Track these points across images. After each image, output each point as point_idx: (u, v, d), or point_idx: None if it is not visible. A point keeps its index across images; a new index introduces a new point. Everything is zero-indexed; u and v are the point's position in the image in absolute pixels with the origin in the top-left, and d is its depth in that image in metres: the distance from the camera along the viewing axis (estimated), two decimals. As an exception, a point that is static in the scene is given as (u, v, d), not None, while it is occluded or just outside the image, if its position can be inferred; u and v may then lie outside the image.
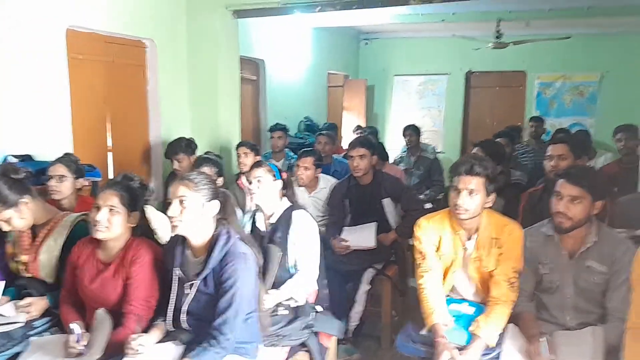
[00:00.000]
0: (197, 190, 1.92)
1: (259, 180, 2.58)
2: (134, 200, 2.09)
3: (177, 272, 2.00)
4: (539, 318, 2.26)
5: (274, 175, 2.60)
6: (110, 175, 3.80)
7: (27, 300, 2.16)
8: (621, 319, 2.04)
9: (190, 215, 1.90)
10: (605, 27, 6.85)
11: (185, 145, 3.80)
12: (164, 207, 3.44)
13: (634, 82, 6.86)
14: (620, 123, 4.32)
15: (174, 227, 1.91)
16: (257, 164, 2.67)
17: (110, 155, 3.87)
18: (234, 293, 1.88)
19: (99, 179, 3.32)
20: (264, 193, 2.58)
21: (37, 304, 2.17)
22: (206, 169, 3.12)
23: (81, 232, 2.24)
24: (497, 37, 6.21)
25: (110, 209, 2.01)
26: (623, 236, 2.26)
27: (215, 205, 1.97)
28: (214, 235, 1.98)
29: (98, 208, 2.02)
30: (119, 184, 2.11)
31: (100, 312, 2.02)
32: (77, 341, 1.94)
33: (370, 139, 3.86)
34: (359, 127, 6.70)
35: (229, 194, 2.08)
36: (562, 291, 2.23)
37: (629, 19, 5.82)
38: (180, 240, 2.04)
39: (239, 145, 4.00)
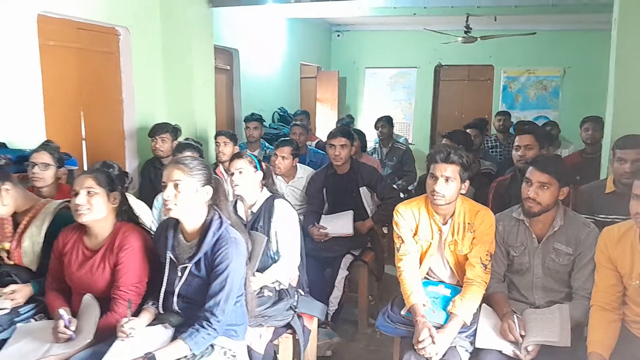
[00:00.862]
0: (191, 174, 1.95)
1: (240, 172, 2.62)
2: (110, 181, 2.10)
3: (169, 255, 2.03)
4: (510, 298, 2.39)
5: (255, 166, 2.65)
6: (85, 164, 3.75)
7: (11, 287, 2.15)
8: (586, 297, 2.21)
9: (185, 199, 1.93)
10: (568, 24, 7.17)
11: (171, 128, 3.82)
12: (140, 194, 3.45)
13: (594, 77, 7.19)
14: (581, 116, 4.53)
15: (168, 210, 1.94)
16: (237, 155, 2.71)
17: (84, 144, 3.82)
18: (226, 276, 1.93)
19: (76, 168, 3.28)
20: (246, 184, 2.62)
21: (21, 291, 2.16)
22: (188, 154, 3.12)
23: (64, 219, 2.24)
24: (466, 32, 6.39)
25: (88, 191, 2.02)
26: (587, 220, 2.41)
27: (209, 190, 2.01)
28: (206, 220, 2.01)
29: (76, 193, 2.03)
30: (96, 169, 2.12)
31: (88, 298, 2.05)
32: (66, 326, 1.96)
33: (349, 129, 3.93)
34: (348, 115, 6.89)
35: (220, 180, 2.11)
36: (531, 272, 2.37)
37: (590, 16, 6.10)
38: (172, 224, 2.07)
39: (218, 134, 4.01)
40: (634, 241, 2.03)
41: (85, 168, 3.68)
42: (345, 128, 3.86)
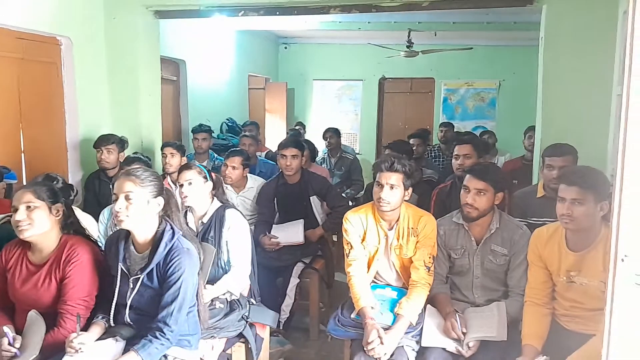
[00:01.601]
0: (143, 186, 1.95)
1: (189, 183, 2.63)
2: (52, 193, 2.05)
3: (120, 267, 2.01)
4: (452, 298, 2.54)
5: (205, 177, 2.66)
6: (24, 178, 3.61)
7: None
8: (520, 294, 2.38)
9: (136, 210, 1.93)
10: (503, 40, 7.64)
11: (118, 139, 3.75)
12: (85, 207, 3.36)
13: (527, 90, 7.64)
14: (516, 126, 4.85)
15: (119, 221, 1.93)
16: (186, 167, 2.71)
17: (23, 157, 3.67)
18: (179, 287, 1.95)
19: (15, 181, 3.16)
20: (196, 195, 2.63)
21: None
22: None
23: (6, 234, 2.17)
24: (408, 46, 6.67)
25: (28, 206, 1.97)
26: (520, 223, 2.60)
27: (160, 201, 2.02)
28: (158, 231, 2.02)
29: (15, 209, 1.98)
30: (37, 183, 2.08)
31: (33, 314, 2.00)
32: (10, 344, 1.90)
33: (300, 139, 4.00)
34: (299, 123, 6.99)
35: (172, 192, 2.12)
36: (471, 273, 2.53)
37: (522, 34, 6.52)
38: (122, 236, 2.06)
39: (165, 145, 3.97)
40: (561, 241, 2.21)
41: (25, 181, 3.54)
42: (296, 139, 3.94)
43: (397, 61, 7.42)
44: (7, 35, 3.47)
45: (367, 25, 6.77)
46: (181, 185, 2.64)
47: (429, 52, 7.01)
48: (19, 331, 1.99)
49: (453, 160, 3.40)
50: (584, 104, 3.28)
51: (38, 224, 1.98)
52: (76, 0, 3.92)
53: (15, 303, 2.06)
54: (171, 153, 3.85)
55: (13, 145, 3.58)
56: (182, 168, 2.73)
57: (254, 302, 2.69)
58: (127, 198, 1.93)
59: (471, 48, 7.20)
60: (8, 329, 1.94)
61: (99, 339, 2.00)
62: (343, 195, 5.06)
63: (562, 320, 2.23)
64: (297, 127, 6.69)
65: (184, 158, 3.91)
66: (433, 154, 5.71)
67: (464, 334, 2.26)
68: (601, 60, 3.16)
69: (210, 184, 2.67)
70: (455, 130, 6.24)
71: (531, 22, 5.17)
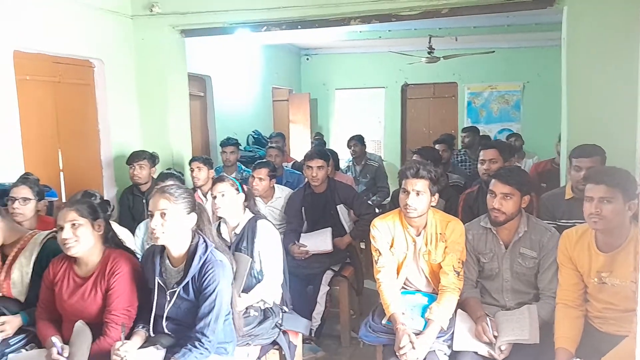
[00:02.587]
0: (177, 203, 2.04)
1: (222, 195, 2.71)
2: (93, 210, 2.15)
3: (157, 280, 2.11)
4: (483, 302, 2.55)
5: (237, 189, 2.75)
6: (64, 195, 3.78)
7: (2, 318, 2.18)
8: (551, 297, 2.38)
9: (171, 227, 2.02)
10: (524, 41, 7.58)
11: (149, 155, 3.89)
12: (119, 222, 3.50)
13: (552, 90, 7.55)
14: (542, 127, 4.81)
15: (155, 238, 2.02)
16: (219, 179, 2.79)
17: (62, 175, 3.85)
18: (215, 298, 2.02)
19: (56, 199, 3.32)
20: (228, 206, 2.72)
21: (11, 322, 2.19)
22: (170, 183, 3.19)
23: (52, 249, 2.29)
24: (429, 52, 6.68)
25: (72, 224, 2.08)
26: (548, 225, 2.60)
27: (193, 217, 2.10)
28: (192, 245, 2.10)
29: (61, 228, 2.09)
30: (77, 201, 2.18)
31: (79, 324, 2.10)
32: (59, 353, 2.01)
33: (325, 150, 4.05)
34: (317, 134, 7.05)
35: (203, 207, 2.21)
36: (501, 276, 2.54)
37: (544, 34, 6.47)
38: (158, 251, 2.15)
39: (192, 160, 4.10)
40: (591, 242, 2.21)
41: (65, 199, 3.71)
42: (322, 149, 4.00)
43: (419, 67, 7.44)
44: (44, 60, 3.67)
45: (387, 33, 6.82)
46: (214, 197, 2.72)
47: (451, 57, 7.01)
48: (66, 341, 2.09)
49: (479, 165, 3.41)
50: (609, 104, 3.26)
51: (83, 240, 2.09)
52: (107, 24, 4.11)
53: (63, 314, 2.17)
54: (198, 167, 3.95)
55: (52, 165, 3.76)
56: (216, 180, 2.80)
57: (287, 310, 2.76)
58: (162, 215, 2.01)
59: (493, 51, 7.17)
60: (57, 339, 2.05)
61: (141, 347, 2.09)
62: (369, 202, 5.11)
63: (596, 322, 2.21)
64: (317, 138, 6.76)
65: (212, 171, 4.02)
66: (459, 159, 5.70)
67: (495, 337, 2.27)
68: (625, 59, 3.13)
69: (242, 195, 2.75)
70: (480, 134, 6.21)
71: (554, 23, 5.14)
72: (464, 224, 2.65)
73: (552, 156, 4.56)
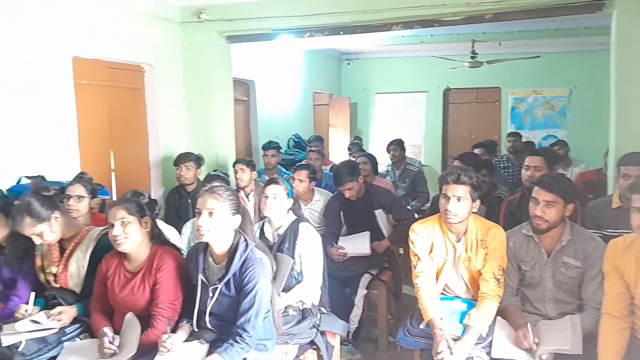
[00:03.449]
0: (224, 203, 2.13)
1: (275, 197, 2.79)
2: (141, 208, 2.27)
3: (200, 277, 2.20)
4: (523, 310, 2.51)
5: (288, 194, 2.82)
6: (115, 194, 3.97)
7: (59, 308, 2.32)
8: (596, 308, 2.32)
9: (217, 226, 2.11)
10: (572, 46, 7.36)
11: (195, 157, 4.04)
12: (166, 221, 3.65)
13: (600, 96, 7.30)
14: (590, 134, 4.66)
15: (201, 235, 2.11)
16: (274, 181, 2.86)
17: (113, 175, 4.05)
18: (255, 295, 2.10)
19: (107, 197, 3.49)
20: (277, 208, 2.80)
21: (67, 312, 2.33)
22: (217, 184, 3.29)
23: (105, 245, 2.42)
24: (472, 57, 6.60)
25: (122, 222, 2.19)
26: (593, 235, 2.54)
27: (238, 219, 2.18)
28: (233, 244, 2.19)
29: (112, 225, 2.21)
30: (127, 199, 2.30)
31: (129, 316, 2.22)
32: (110, 342, 2.13)
33: (349, 168, 3.73)
34: (355, 137, 7.06)
35: (246, 209, 2.29)
36: (542, 285, 2.50)
37: (595, 39, 6.27)
38: (201, 248, 2.24)
39: (236, 162, 4.21)
40: (638, 252, 2.15)
41: (115, 197, 3.90)
42: (344, 172, 3.69)
43: (462, 71, 7.35)
44: (100, 66, 3.87)
45: (429, 38, 6.78)
46: (266, 197, 2.80)
47: (494, 62, 6.90)
48: (117, 332, 2.21)
49: (523, 171, 3.35)
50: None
51: (132, 237, 2.21)
52: (157, 31, 4.30)
53: (114, 307, 2.30)
54: (242, 169, 4.06)
55: (105, 165, 3.96)
56: (270, 181, 2.87)
57: (325, 311, 2.80)
58: (209, 214, 2.10)
59: (538, 56, 7.01)
60: (108, 330, 2.17)
61: (185, 341, 2.18)
62: (408, 207, 5.09)
63: (642, 335, 2.16)
64: (355, 142, 6.78)
65: (254, 172, 4.12)
66: (502, 165, 5.60)
67: (536, 344, 2.23)
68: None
69: (291, 200, 2.83)
70: (523, 139, 6.09)
71: (603, 27, 4.98)
72: (505, 231, 2.62)
73: (599, 165, 4.41)
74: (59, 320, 2.29)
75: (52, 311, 2.31)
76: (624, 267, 2.19)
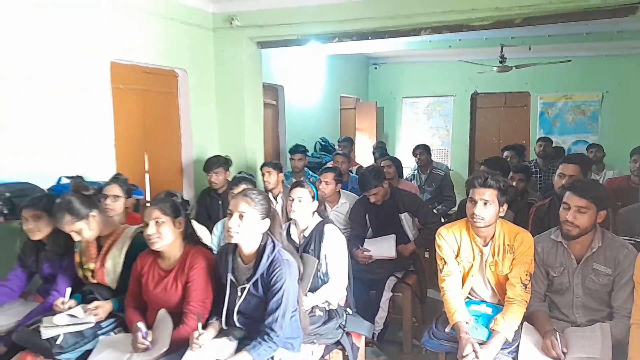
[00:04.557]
0: (255, 208, 2.18)
1: (300, 200, 2.85)
2: (175, 208, 2.34)
3: (229, 277, 2.27)
4: (551, 316, 2.49)
5: (313, 196, 2.88)
6: (148, 194, 4.10)
7: (95, 303, 2.43)
8: (626, 316, 2.28)
9: (247, 228, 2.17)
10: (604, 50, 7.21)
11: (223, 161, 4.13)
12: (197, 220, 3.74)
13: (633, 101, 7.16)
14: (622, 140, 4.55)
15: (230, 237, 2.17)
16: (300, 184, 2.91)
17: (147, 176, 4.18)
18: (282, 295, 2.15)
19: (142, 197, 3.61)
20: (303, 211, 2.86)
21: (103, 307, 2.43)
22: (243, 187, 3.35)
23: (140, 242, 2.51)
24: (501, 61, 6.54)
25: (156, 221, 2.27)
26: (625, 242, 2.50)
27: (267, 222, 2.24)
28: (261, 245, 2.25)
29: (147, 224, 2.29)
30: (161, 200, 2.38)
31: (162, 312, 2.30)
32: (143, 337, 2.21)
33: (374, 173, 3.74)
34: (379, 142, 7.15)
35: (276, 212, 2.34)
36: (571, 292, 2.47)
37: (629, 43, 6.14)
38: (231, 249, 2.31)
39: (263, 165, 4.28)
40: (670, 260, 2.12)
41: (149, 197, 4.02)
42: (370, 175, 3.71)
43: (490, 76, 7.29)
44: (135, 70, 4.01)
45: (458, 42, 6.76)
46: (292, 200, 2.86)
47: (523, 66, 6.82)
48: (150, 327, 2.29)
49: (556, 178, 3.29)
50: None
51: (165, 237, 2.29)
52: (190, 37, 4.43)
53: (148, 303, 2.39)
54: (268, 171, 4.11)
55: (139, 166, 4.10)
56: (296, 184, 2.93)
57: (350, 313, 2.84)
58: (240, 217, 2.16)
59: (569, 60, 6.88)
60: (142, 325, 2.26)
61: (215, 337, 2.25)
62: (434, 211, 5.08)
63: (674, 345, 2.12)
64: (379, 146, 6.77)
65: (281, 175, 4.17)
66: (531, 170, 5.53)
67: (564, 353, 2.22)
68: None
69: (316, 203, 2.89)
70: (553, 145, 6.00)
71: (637, 31, 4.90)
72: (534, 236, 2.61)
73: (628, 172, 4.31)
74: (95, 315, 2.39)
75: (89, 305, 2.41)
76: (655, 275, 2.16)
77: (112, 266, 2.50)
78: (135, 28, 3.88)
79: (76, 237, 2.47)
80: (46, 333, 2.30)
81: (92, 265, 2.52)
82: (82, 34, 3.46)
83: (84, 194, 2.48)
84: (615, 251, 2.41)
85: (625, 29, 5.80)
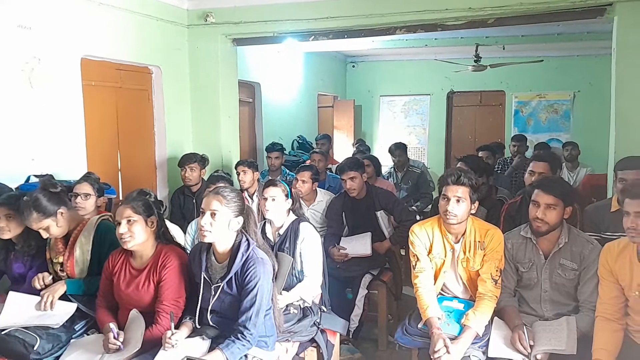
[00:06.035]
0: (228, 206, 2.17)
1: (273, 199, 2.84)
2: (147, 207, 2.32)
3: (203, 275, 2.25)
4: (520, 311, 2.55)
5: (287, 195, 2.88)
6: (121, 193, 4.04)
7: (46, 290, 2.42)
8: (591, 309, 2.36)
9: (219, 227, 2.15)
10: (574, 51, 7.39)
11: (199, 157, 4.10)
12: (170, 219, 3.70)
13: (604, 100, 7.31)
14: (593, 138, 4.67)
15: (203, 236, 2.16)
16: (272, 183, 2.90)
17: (119, 175, 4.12)
18: (256, 293, 2.15)
19: (114, 196, 3.56)
20: (277, 210, 2.85)
21: (53, 288, 2.43)
22: (220, 185, 3.31)
23: (105, 227, 2.57)
24: (476, 61, 6.64)
25: (128, 220, 2.25)
26: (590, 237, 2.58)
27: (240, 220, 2.23)
28: (235, 243, 2.24)
29: (118, 223, 2.27)
30: (133, 198, 2.35)
31: (134, 312, 2.28)
32: (115, 338, 2.19)
33: (357, 159, 3.98)
34: (359, 140, 7.16)
35: (251, 209, 2.34)
36: (539, 287, 2.54)
37: (598, 43, 6.29)
38: (205, 247, 2.30)
39: (238, 163, 4.22)
40: (632, 255, 2.19)
41: (122, 196, 3.96)
42: (354, 159, 3.94)
43: (466, 75, 7.39)
44: (108, 67, 3.95)
45: (433, 41, 6.83)
46: (265, 199, 2.86)
47: (498, 65, 6.93)
48: (121, 327, 2.27)
49: (527, 176, 3.35)
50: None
51: (137, 235, 2.26)
52: (164, 34, 4.38)
53: (119, 303, 2.37)
54: (243, 170, 4.08)
55: (112, 165, 4.04)
56: (269, 184, 2.92)
57: (325, 310, 2.86)
58: (212, 215, 2.15)
59: (541, 60, 7.03)
60: (113, 325, 2.24)
61: (188, 337, 2.23)
62: (412, 208, 5.13)
63: (636, 336, 2.19)
64: (358, 144, 6.82)
65: (257, 173, 4.15)
66: (505, 167, 5.63)
67: (531, 346, 2.27)
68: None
69: (290, 201, 2.88)
70: (535, 143, 6.12)
71: (607, 32, 4.99)
72: (505, 233, 2.66)
73: (604, 169, 4.42)
74: (49, 300, 2.38)
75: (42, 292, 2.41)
76: (618, 270, 2.23)
77: (80, 255, 2.50)
78: (107, 24, 3.81)
79: (44, 235, 2.45)
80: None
81: (61, 259, 2.50)
82: (51, 30, 3.39)
83: (51, 191, 2.44)
84: (580, 246, 2.48)
85: (595, 30, 5.95)
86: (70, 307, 2.44)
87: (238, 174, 4.13)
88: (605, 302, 2.28)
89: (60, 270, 2.53)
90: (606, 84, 3.82)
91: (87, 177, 3.06)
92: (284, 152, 5.32)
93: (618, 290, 2.24)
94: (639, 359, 2.06)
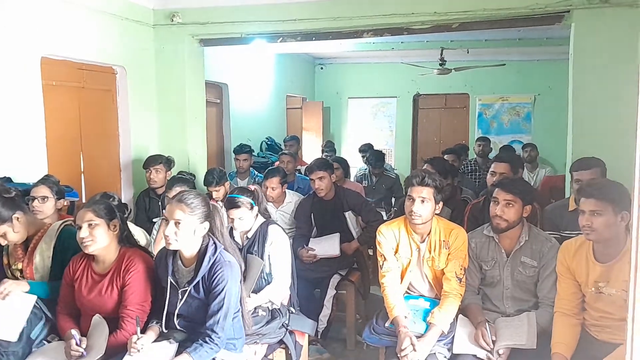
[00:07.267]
0: (192, 213, 2.13)
1: (240, 219, 2.79)
2: (109, 210, 2.27)
3: (170, 280, 2.22)
4: (484, 308, 2.62)
5: (252, 206, 2.82)
6: (84, 196, 3.94)
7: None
8: (550, 305, 2.44)
9: (185, 235, 2.12)
10: (535, 55, 7.66)
11: (165, 159, 4.03)
12: (135, 223, 3.63)
13: (561, 104, 7.57)
14: (553, 140, 4.83)
15: (168, 244, 2.13)
16: (235, 205, 2.76)
17: (82, 177, 4.01)
18: (223, 297, 2.13)
19: (76, 199, 3.47)
20: (246, 223, 2.82)
21: (10, 285, 2.33)
22: (177, 189, 3.17)
23: (68, 233, 2.49)
24: (441, 64, 6.78)
25: (89, 224, 2.20)
26: (549, 236, 2.67)
27: (206, 225, 2.20)
28: (202, 247, 2.21)
29: (79, 227, 2.21)
30: (95, 202, 2.30)
31: (97, 318, 2.23)
32: (77, 344, 2.13)
33: (326, 160, 4.04)
34: (327, 142, 7.22)
35: (218, 209, 2.31)
36: (502, 284, 2.62)
37: (556, 49, 6.53)
38: (170, 252, 2.26)
39: (209, 184, 3.83)
40: (588, 253, 2.28)
41: (85, 199, 3.86)
42: (322, 160, 4.00)
43: (431, 77, 7.54)
44: (69, 66, 3.84)
45: (400, 45, 6.94)
46: (232, 220, 2.80)
47: (462, 69, 7.10)
48: (84, 334, 2.22)
49: (489, 176, 3.46)
50: (613, 119, 3.32)
51: (99, 239, 2.21)
52: (130, 33, 4.29)
53: (81, 309, 2.30)
54: (217, 190, 3.77)
55: (74, 167, 3.93)
56: (231, 206, 2.77)
57: (294, 311, 2.86)
58: (176, 224, 2.11)
59: (504, 64, 7.25)
60: (75, 332, 2.18)
61: (155, 341, 2.20)
62: (390, 213, 5.14)
63: (592, 330, 2.28)
64: (327, 146, 6.88)
65: (227, 183, 3.89)
66: (469, 169, 5.76)
67: (493, 342, 2.34)
68: (627, 75, 3.20)
69: (256, 209, 2.85)
70: (501, 145, 6.27)
71: (565, 37, 5.19)
72: (469, 232, 2.73)
73: (563, 170, 4.57)
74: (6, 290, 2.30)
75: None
76: (575, 267, 2.31)
77: (40, 261, 2.43)
78: (69, 22, 3.71)
79: (2, 241, 2.36)
80: None
81: (20, 265, 2.42)
82: (9, 28, 3.27)
83: (5, 196, 2.36)
84: (540, 244, 2.57)
85: (554, 36, 6.17)
86: (29, 299, 2.35)
87: (212, 193, 3.81)
88: (563, 298, 2.37)
89: (20, 276, 2.45)
90: (564, 88, 3.98)
91: (45, 180, 2.97)
92: (253, 153, 5.29)
93: (575, 287, 2.33)
94: (596, 352, 2.13)
